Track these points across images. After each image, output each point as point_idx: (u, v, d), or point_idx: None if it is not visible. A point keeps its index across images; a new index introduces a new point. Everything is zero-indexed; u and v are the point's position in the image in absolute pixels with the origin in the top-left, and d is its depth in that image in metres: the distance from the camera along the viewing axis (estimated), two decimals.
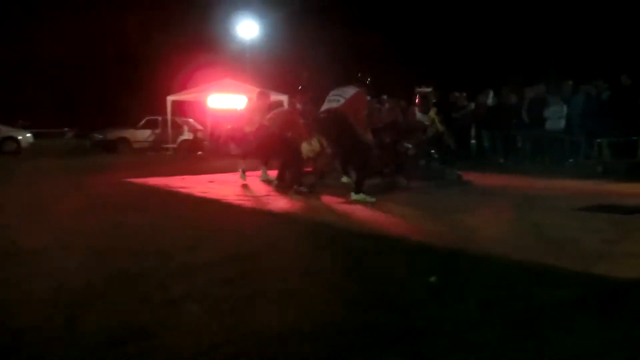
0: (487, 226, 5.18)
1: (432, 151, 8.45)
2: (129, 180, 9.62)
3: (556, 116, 12.01)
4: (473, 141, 14.10)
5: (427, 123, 9.03)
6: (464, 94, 14.12)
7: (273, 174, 8.85)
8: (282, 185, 8.01)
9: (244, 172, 9.29)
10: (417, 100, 9.45)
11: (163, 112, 20.21)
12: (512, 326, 2.66)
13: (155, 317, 2.83)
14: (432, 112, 9.27)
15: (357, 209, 6.30)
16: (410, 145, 7.86)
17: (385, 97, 11.86)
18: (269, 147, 8.53)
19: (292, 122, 8.26)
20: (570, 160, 12.00)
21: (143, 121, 22.25)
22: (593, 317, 2.76)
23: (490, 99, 13.91)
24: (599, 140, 11.07)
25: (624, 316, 2.77)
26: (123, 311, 2.92)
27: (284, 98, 19.12)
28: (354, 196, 6.84)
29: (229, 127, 18.32)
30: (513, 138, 13.16)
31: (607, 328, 2.62)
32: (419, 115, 9.19)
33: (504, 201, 6.83)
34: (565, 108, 11.98)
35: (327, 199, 7.14)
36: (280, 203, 6.93)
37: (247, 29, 27.88)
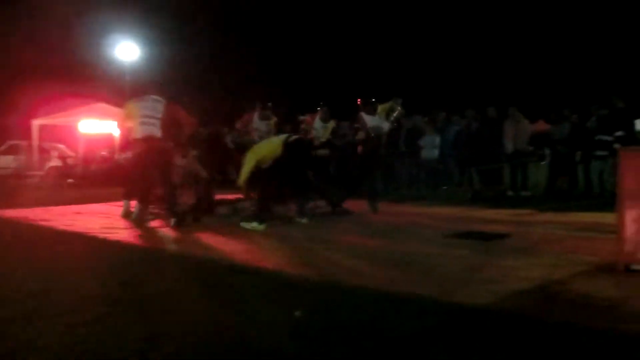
0: (357, 256, 5.21)
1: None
2: None
3: (430, 145, 12.56)
4: None
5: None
6: (347, 123, 14.38)
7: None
8: (151, 217, 7.62)
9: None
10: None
11: (29, 136, 18.81)
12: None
13: None
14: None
15: (229, 241, 6.13)
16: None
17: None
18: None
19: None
20: (444, 187, 12.57)
21: (4, 146, 20.59)
22: (449, 347, 2.78)
23: None
24: (469, 168, 11.73)
25: (478, 345, 2.81)
26: None
27: None
28: (246, 224, 6.94)
29: (103, 153, 17.43)
30: (391, 166, 13.57)
31: (461, 358, 2.62)
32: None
33: (376, 229, 6.95)
34: (438, 138, 12.57)
35: (199, 231, 6.86)
36: (149, 236, 6.58)
37: (127, 50, 26.81)
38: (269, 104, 9.44)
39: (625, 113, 10.27)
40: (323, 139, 9.17)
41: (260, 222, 6.94)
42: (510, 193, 11.35)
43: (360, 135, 8.95)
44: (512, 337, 2.93)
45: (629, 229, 4.20)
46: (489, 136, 11.56)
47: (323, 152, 8.79)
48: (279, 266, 4.72)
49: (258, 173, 7.33)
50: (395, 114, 9.33)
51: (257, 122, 9.29)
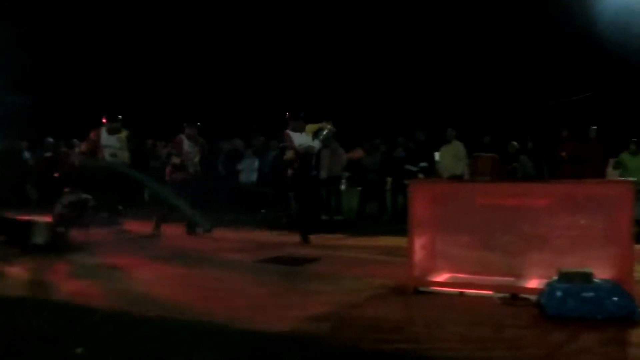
0: (157, 284, 4.97)
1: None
2: None
3: (249, 169, 12.60)
4: None
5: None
6: (163, 143, 13.86)
7: None
8: None
9: None
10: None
11: None
12: None
13: None
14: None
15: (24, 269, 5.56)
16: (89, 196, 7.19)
17: (75, 140, 10.90)
18: None
19: None
20: (263, 211, 12.62)
21: None
22: None
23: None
24: (286, 193, 11.93)
25: None
26: None
27: None
28: None
29: None
30: (209, 188, 13.33)
31: None
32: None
33: (186, 255, 6.69)
34: (257, 161, 12.65)
35: None
36: None
37: None
38: (119, 115, 8.41)
39: (427, 146, 11.30)
40: (197, 159, 8.75)
41: None
42: (324, 217, 11.76)
43: (289, 155, 8.24)
44: None
45: (418, 254, 4.52)
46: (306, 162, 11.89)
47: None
48: (68, 297, 4.33)
49: None
50: (325, 132, 8.40)
51: (105, 137, 8.24)
